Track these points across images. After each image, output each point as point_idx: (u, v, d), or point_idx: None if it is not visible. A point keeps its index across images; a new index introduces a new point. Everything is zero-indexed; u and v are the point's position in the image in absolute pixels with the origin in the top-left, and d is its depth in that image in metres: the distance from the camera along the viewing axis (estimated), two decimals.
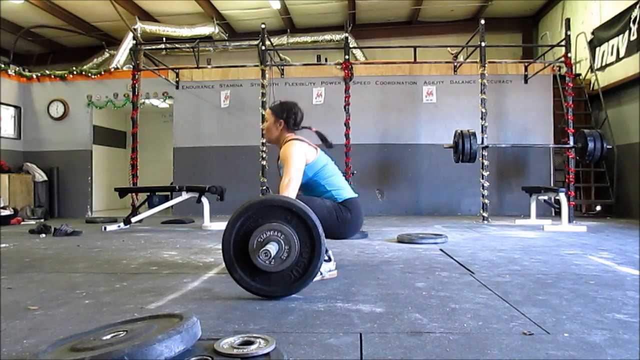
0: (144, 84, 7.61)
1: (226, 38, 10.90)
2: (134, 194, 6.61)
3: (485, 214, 6.45)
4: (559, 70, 8.19)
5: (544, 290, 2.27)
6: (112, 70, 8.84)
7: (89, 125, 8.78)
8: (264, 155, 6.79)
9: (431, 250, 3.71)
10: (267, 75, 7.01)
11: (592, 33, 8.13)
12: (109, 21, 10.14)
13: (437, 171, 8.11)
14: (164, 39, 9.57)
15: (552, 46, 7.88)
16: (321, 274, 2.48)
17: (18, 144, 8.71)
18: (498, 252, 3.57)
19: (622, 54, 7.21)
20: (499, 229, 5.51)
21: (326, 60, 8.99)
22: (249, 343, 1.37)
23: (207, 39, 10.59)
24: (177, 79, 8.55)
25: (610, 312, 1.87)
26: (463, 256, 3.38)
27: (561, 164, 7.72)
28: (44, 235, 5.14)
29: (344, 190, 2.79)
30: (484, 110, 6.58)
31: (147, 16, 10.15)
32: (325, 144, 2.85)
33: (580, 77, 8.39)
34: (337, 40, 10.46)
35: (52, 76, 8.83)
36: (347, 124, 6.90)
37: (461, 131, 6.35)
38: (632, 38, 6.89)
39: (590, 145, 5.87)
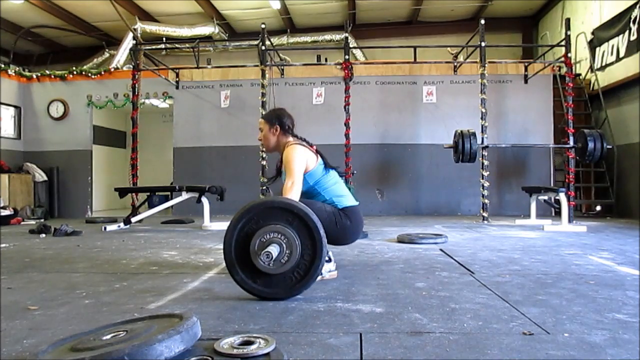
0: (144, 84, 7.61)
1: (226, 38, 10.90)
2: (134, 194, 6.61)
3: (485, 214, 6.45)
4: (559, 70, 8.19)
5: (544, 290, 2.27)
6: (112, 70, 8.84)
7: (89, 125, 8.78)
8: (264, 155, 6.80)
9: (431, 250, 3.70)
10: (267, 75, 7.01)
11: (592, 33, 8.13)
12: (109, 21, 10.15)
13: (437, 171, 8.11)
14: (164, 39, 9.58)
15: (552, 46, 7.88)
16: (321, 274, 2.48)
17: (18, 144, 8.71)
18: (498, 252, 3.57)
19: (622, 54, 7.21)
20: (499, 229, 5.51)
21: (326, 60, 8.99)
22: (249, 343, 1.37)
23: (207, 39, 10.60)
24: (177, 79, 8.55)
25: (610, 312, 1.87)
26: (463, 256, 3.38)
27: (561, 164, 7.72)
28: (44, 235, 5.14)
29: (345, 197, 2.80)
30: (484, 110, 6.58)
31: (147, 16, 10.15)
32: (327, 163, 2.82)
33: (580, 77, 8.39)
34: (337, 40, 10.46)
35: (52, 76, 8.83)
36: (347, 124, 6.90)
37: (461, 131, 6.35)
38: (632, 38, 6.89)
39: (590, 145, 5.87)
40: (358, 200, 2.91)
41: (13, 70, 8.75)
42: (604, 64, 7.78)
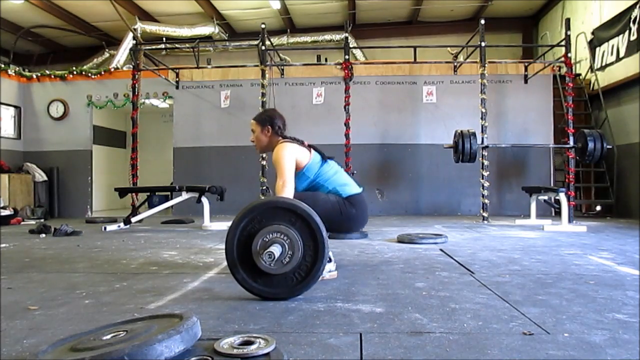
0: (144, 84, 7.61)
1: (226, 38, 10.91)
2: (134, 194, 6.61)
3: (485, 214, 6.45)
4: (559, 70, 8.19)
5: (544, 290, 2.27)
6: (112, 70, 8.84)
7: (89, 125, 8.78)
8: (264, 155, 6.79)
9: (431, 250, 3.70)
10: (267, 75, 7.01)
11: (592, 33, 8.13)
12: (109, 21, 10.15)
13: (437, 171, 8.11)
14: (164, 39, 9.58)
15: (552, 46, 7.88)
16: (322, 274, 2.48)
17: (18, 144, 8.71)
18: (498, 252, 3.57)
19: (622, 54, 7.21)
20: (499, 229, 5.51)
21: (326, 60, 8.99)
22: (249, 343, 1.37)
23: (207, 39, 10.60)
24: (177, 79, 8.55)
25: (610, 312, 1.87)
26: (463, 256, 3.38)
27: (561, 164, 7.72)
28: (44, 235, 5.14)
29: (349, 186, 2.80)
30: (484, 110, 6.58)
31: (147, 16, 10.16)
32: (323, 155, 2.82)
33: (580, 77, 8.39)
34: (337, 40, 10.46)
35: (52, 76, 8.83)
36: (347, 124, 6.90)
37: (461, 131, 6.35)
38: (632, 38, 6.90)
39: (590, 145, 5.87)
40: (361, 186, 2.89)
41: (13, 70, 8.75)
42: (604, 64, 7.78)
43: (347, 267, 2.97)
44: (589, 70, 8.17)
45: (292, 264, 2.05)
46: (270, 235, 2.06)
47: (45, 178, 8.48)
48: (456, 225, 6.01)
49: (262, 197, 6.47)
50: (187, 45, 9.60)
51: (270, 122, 2.80)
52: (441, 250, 3.72)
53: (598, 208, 7.79)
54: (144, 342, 1.21)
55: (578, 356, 1.39)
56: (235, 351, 1.32)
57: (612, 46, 7.50)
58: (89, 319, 1.84)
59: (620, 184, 7.45)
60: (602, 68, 7.82)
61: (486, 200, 6.51)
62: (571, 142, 6.47)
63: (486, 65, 6.68)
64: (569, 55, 6.63)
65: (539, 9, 10.43)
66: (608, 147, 5.94)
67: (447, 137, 7.34)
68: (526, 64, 8.16)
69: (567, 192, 5.89)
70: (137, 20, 9.41)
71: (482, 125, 6.56)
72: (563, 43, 6.70)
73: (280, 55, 9.45)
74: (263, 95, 6.90)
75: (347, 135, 6.86)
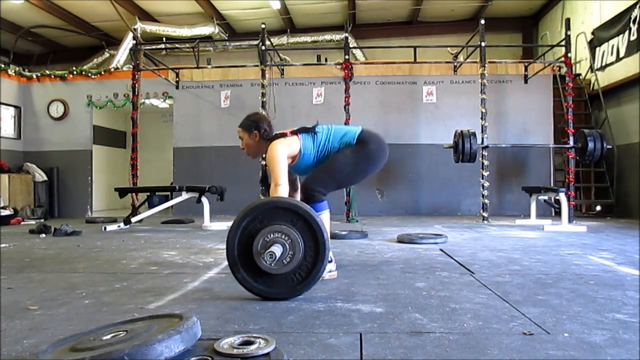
0: (144, 84, 7.61)
1: (226, 38, 10.90)
2: (134, 194, 6.61)
3: (485, 214, 6.45)
4: (559, 70, 8.19)
5: (544, 290, 2.27)
6: (112, 70, 8.84)
7: (89, 125, 8.78)
8: (264, 155, 6.78)
9: (431, 250, 3.70)
10: (267, 75, 7.01)
11: (592, 33, 8.13)
12: (109, 21, 10.15)
13: (437, 171, 8.11)
14: (164, 39, 9.57)
15: (552, 46, 7.88)
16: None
17: (18, 144, 8.71)
18: (498, 252, 3.57)
19: (622, 54, 7.21)
20: (499, 229, 5.51)
21: (326, 60, 8.99)
22: (249, 343, 1.37)
23: (207, 39, 10.59)
24: (177, 79, 8.55)
25: (610, 312, 1.87)
26: (463, 256, 3.38)
27: (561, 164, 7.72)
28: (44, 235, 5.14)
29: (350, 132, 2.79)
30: (484, 110, 6.58)
31: (147, 16, 10.15)
32: (310, 130, 2.77)
33: (580, 77, 8.39)
34: (337, 40, 10.46)
35: (52, 76, 8.83)
36: (347, 124, 6.89)
37: (461, 131, 6.34)
38: (632, 38, 6.89)
39: (590, 145, 5.87)
40: (359, 126, 2.86)
41: (13, 70, 8.75)
42: (604, 64, 7.78)
43: (347, 267, 2.97)
44: (589, 70, 8.17)
45: (293, 264, 2.05)
46: (272, 235, 2.06)
47: (45, 178, 8.48)
48: (456, 225, 6.01)
49: (262, 197, 6.47)
50: (187, 45, 9.60)
51: (256, 126, 2.79)
52: (441, 250, 3.72)
53: (598, 208, 7.79)
54: (144, 342, 1.21)
55: (578, 356, 1.39)
56: (235, 351, 1.32)
57: (612, 46, 7.50)
58: (89, 319, 1.84)
59: (620, 184, 7.45)
60: (602, 68, 7.82)
61: (486, 200, 6.51)
62: (571, 142, 6.47)
63: (486, 65, 6.68)
64: (569, 55, 6.63)
65: (539, 9, 10.43)
66: (608, 147, 5.94)
67: (447, 137, 7.34)
68: (526, 64, 8.16)
69: (567, 192, 5.89)
70: (137, 20, 9.41)
71: (482, 125, 6.56)
72: (563, 43, 6.70)
73: (280, 55, 9.45)
74: (263, 95, 6.90)
75: None
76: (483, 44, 6.65)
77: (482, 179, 6.55)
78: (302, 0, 9.85)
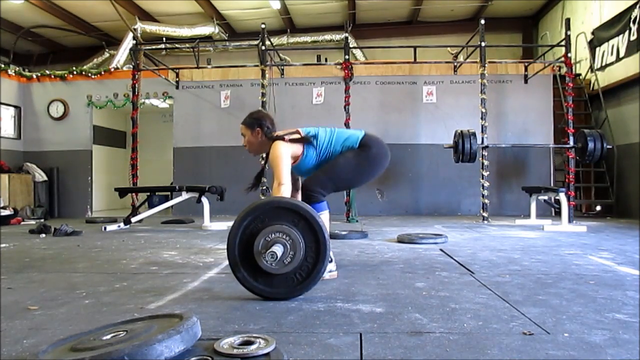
0: (144, 84, 7.61)
1: (226, 38, 10.90)
2: (134, 194, 6.61)
3: (485, 214, 6.45)
4: (559, 70, 8.19)
5: (544, 290, 2.27)
6: (112, 70, 8.84)
7: (89, 125, 8.78)
8: (263, 155, 6.78)
9: (431, 250, 3.70)
10: (267, 75, 7.01)
11: (592, 33, 8.13)
12: (109, 21, 10.15)
13: (437, 171, 8.11)
14: (164, 39, 9.57)
15: (552, 46, 7.88)
16: None
17: (18, 144, 8.71)
18: (498, 252, 3.57)
19: (622, 54, 7.21)
20: (499, 229, 5.51)
21: (326, 60, 8.99)
22: (249, 343, 1.37)
23: (207, 39, 10.60)
24: (177, 79, 8.55)
25: (610, 312, 1.87)
26: (463, 256, 3.38)
27: (561, 164, 7.72)
28: (44, 235, 5.14)
29: (352, 135, 2.80)
30: (484, 110, 6.58)
31: (147, 16, 10.15)
32: (305, 141, 2.75)
33: (580, 77, 8.39)
34: (337, 40, 10.46)
35: (52, 76, 8.83)
36: (347, 124, 6.89)
37: (461, 131, 6.34)
38: (632, 38, 6.89)
39: (590, 145, 5.87)
40: (361, 130, 2.87)
41: (13, 70, 8.75)
42: (604, 64, 7.78)
43: (347, 267, 2.97)
44: (589, 70, 8.17)
45: (294, 265, 2.05)
46: (273, 235, 2.06)
47: (45, 178, 8.48)
48: (456, 225, 6.01)
49: (262, 197, 6.47)
50: (187, 45, 9.60)
51: (258, 124, 2.79)
52: (441, 250, 3.72)
53: (598, 208, 7.79)
54: (144, 342, 1.21)
55: (578, 356, 1.39)
56: (235, 351, 1.32)
57: (612, 46, 7.50)
58: (89, 319, 1.84)
59: (620, 184, 7.45)
60: (602, 68, 7.82)
61: (486, 200, 6.51)
62: (571, 142, 6.47)
63: (486, 65, 6.68)
64: (569, 55, 6.63)
65: (539, 9, 10.43)
66: (608, 147, 5.94)
67: (447, 137, 7.34)
68: (526, 64, 8.16)
69: (567, 192, 5.89)
70: (137, 20, 9.40)
71: (482, 125, 6.56)
72: (563, 43, 6.70)
73: (280, 55, 9.45)
74: (263, 95, 6.90)
75: None
76: (483, 44, 6.66)
77: (482, 179, 6.55)
78: (302, 0, 9.85)
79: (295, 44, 10.72)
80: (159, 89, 8.56)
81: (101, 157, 9.96)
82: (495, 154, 7.76)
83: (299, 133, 2.75)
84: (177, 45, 10.27)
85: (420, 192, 8.20)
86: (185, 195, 5.98)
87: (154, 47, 9.62)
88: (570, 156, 6.56)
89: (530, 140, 7.91)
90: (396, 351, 1.44)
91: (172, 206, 7.21)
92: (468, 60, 7.98)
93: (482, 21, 6.75)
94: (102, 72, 8.81)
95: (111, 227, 5.74)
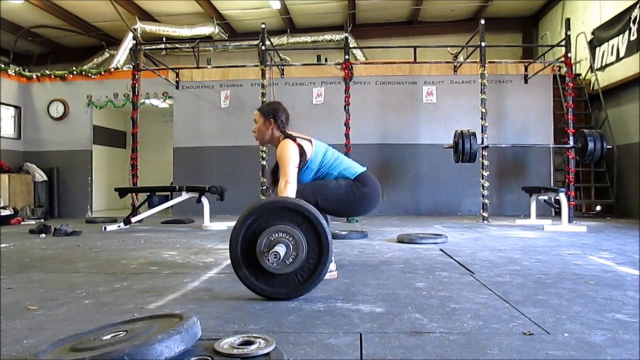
0: (144, 84, 7.61)
1: (226, 38, 10.90)
2: (134, 194, 6.61)
3: (485, 214, 6.45)
4: (559, 70, 8.19)
5: (544, 290, 2.27)
6: (112, 70, 8.83)
7: (89, 125, 8.78)
8: (264, 155, 6.80)
9: (431, 250, 3.71)
10: (267, 75, 7.01)
11: (592, 33, 8.13)
12: (109, 21, 10.14)
13: (437, 171, 8.11)
14: (164, 39, 9.57)
15: (552, 46, 7.88)
16: None
17: (18, 144, 8.71)
18: (498, 252, 3.57)
19: (622, 54, 7.21)
20: (499, 229, 5.51)
21: (326, 60, 8.99)
22: (249, 343, 1.37)
23: (207, 39, 10.60)
24: (177, 79, 8.55)
25: (610, 312, 1.87)
26: (463, 256, 3.38)
27: (561, 164, 7.72)
28: (44, 235, 5.14)
29: (353, 167, 2.83)
30: (484, 110, 6.58)
31: (147, 16, 10.15)
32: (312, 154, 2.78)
33: (580, 77, 8.39)
34: (337, 40, 10.46)
35: (52, 76, 8.83)
36: (347, 124, 6.90)
37: (461, 131, 6.34)
38: (632, 38, 6.89)
39: (590, 145, 5.87)
40: (364, 165, 2.91)
41: (13, 70, 8.75)
42: (604, 64, 7.78)
43: (347, 267, 2.97)
44: (589, 70, 8.17)
45: (296, 265, 2.05)
46: (276, 235, 2.05)
47: (45, 178, 8.48)
48: (456, 225, 6.01)
49: (263, 197, 6.47)
50: (187, 45, 9.59)
51: (273, 115, 2.80)
52: (441, 250, 3.72)
53: (598, 208, 7.79)
54: (144, 342, 1.21)
55: (578, 356, 1.40)
56: (235, 351, 1.32)
57: (612, 46, 7.50)
58: (89, 319, 1.84)
59: (620, 184, 7.45)
60: (602, 68, 7.82)
61: (486, 200, 6.51)
62: (571, 142, 6.47)
63: (486, 65, 6.68)
64: (569, 55, 6.63)
65: (539, 9, 10.43)
66: (608, 147, 5.94)
67: (447, 137, 7.34)
68: (526, 64, 8.16)
69: (567, 192, 5.89)
70: (137, 20, 9.40)
71: (482, 125, 6.56)
72: (563, 43, 6.70)
73: (280, 55, 9.45)
74: (263, 95, 6.90)
75: (347, 135, 6.86)
76: (483, 44, 6.65)
77: (482, 179, 6.55)
78: (302, 0, 9.85)
79: (295, 44, 10.72)
80: (159, 89, 8.56)
81: (101, 157, 9.96)
82: (495, 154, 7.76)
83: (311, 143, 2.76)
84: (177, 45, 10.27)
85: (420, 192, 8.20)
86: (185, 195, 5.98)
87: (154, 47, 9.61)
88: (570, 156, 6.56)
89: (530, 140, 7.91)
90: (396, 351, 1.44)
91: (172, 206, 7.22)
92: (468, 60, 7.98)
93: (482, 21, 6.75)
94: (102, 72, 8.81)
95: (111, 227, 5.74)
